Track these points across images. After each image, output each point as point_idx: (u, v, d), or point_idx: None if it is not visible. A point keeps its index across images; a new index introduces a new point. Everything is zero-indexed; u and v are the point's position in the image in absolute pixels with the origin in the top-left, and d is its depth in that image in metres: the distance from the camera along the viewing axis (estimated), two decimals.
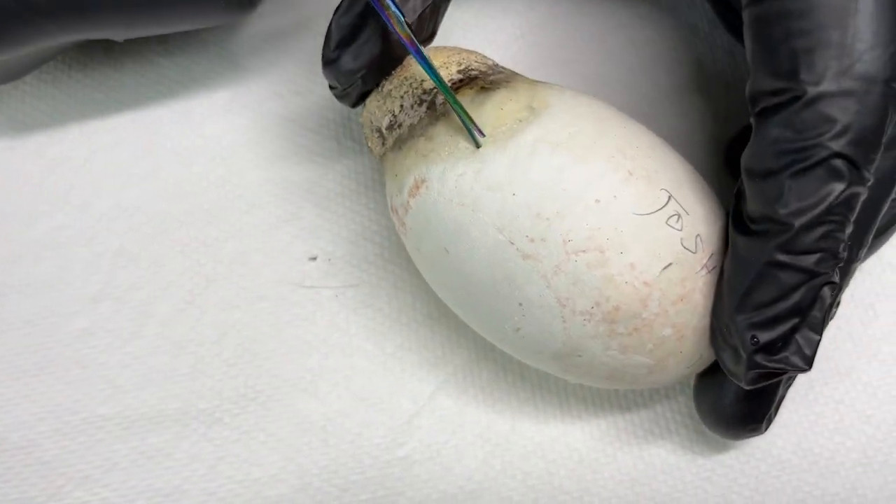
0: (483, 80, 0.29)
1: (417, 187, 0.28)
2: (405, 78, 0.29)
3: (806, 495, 0.32)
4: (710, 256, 0.27)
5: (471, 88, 0.28)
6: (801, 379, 0.33)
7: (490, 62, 0.30)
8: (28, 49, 0.30)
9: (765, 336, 0.25)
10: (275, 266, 0.34)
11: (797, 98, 0.24)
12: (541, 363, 0.29)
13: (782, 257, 0.25)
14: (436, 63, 0.29)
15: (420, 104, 0.29)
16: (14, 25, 0.29)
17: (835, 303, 0.28)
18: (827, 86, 0.24)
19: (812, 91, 0.24)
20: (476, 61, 0.30)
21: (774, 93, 0.25)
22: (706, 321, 0.27)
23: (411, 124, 0.29)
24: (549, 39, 0.37)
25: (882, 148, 0.25)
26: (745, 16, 0.26)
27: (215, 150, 0.35)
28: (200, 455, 0.32)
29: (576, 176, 0.26)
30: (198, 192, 0.35)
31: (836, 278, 0.26)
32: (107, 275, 0.34)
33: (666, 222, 0.26)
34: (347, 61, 0.29)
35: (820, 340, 0.26)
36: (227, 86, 0.36)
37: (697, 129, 0.36)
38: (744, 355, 0.25)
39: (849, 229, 0.25)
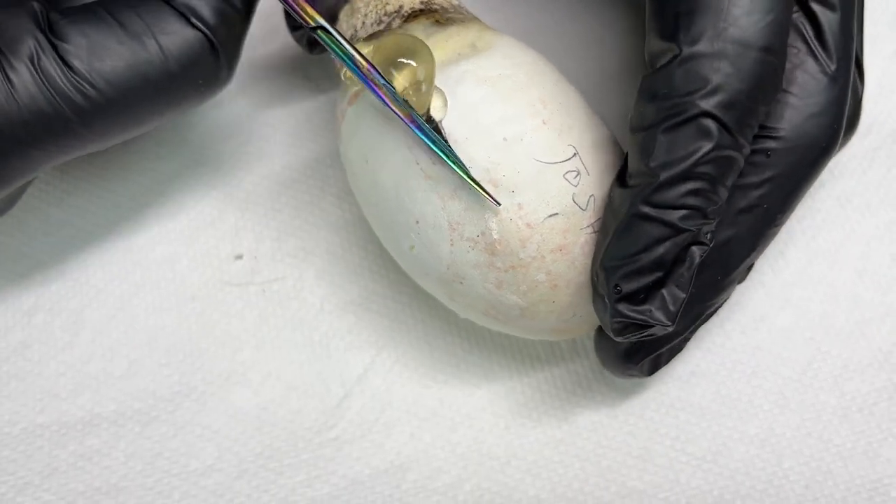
0: (440, 14, 0.30)
1: (356, 95, 0.29)
2: None
3: (726, 439, 0.32)
4: (601, 220, 0.28)
5: (427, 18, 0.30)
6: (716, 329, 0.34)
7: (455, 2, 0.31)
8: (18, 183, 0.28)
9: (628, 286, 0.26)
10: (202, 269, 0.35)
11: (676, 57, 0.26)
12: (429, 286, 0.30)
13: (646, 209, 0.26)
14: None
15: (379, 24, 0.30)
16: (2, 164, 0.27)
17: (745, 267, 0.29)
18: (702, 46, 0.25)
19: (687, 50, 0.25)
20: None
21: (661, 54, 0.26)
22: (584, 279, 0.28)
23: (366, 38, 0.30)
24: None
25: (758, 117, 0.26)
26: None
27: (138, 163, 0.37)
28: (138, 453, 0.33)
29: (492, 111, 0.27)
30: (122, 204, 0.36)
31: (707, 239, 0.26)
32: (40, 287, 0.35)
33: (564, 175, 0.27)
34: None
35: (686, 299, 0.26)
36: None
37: (619, 114, 0.37)
38: (608, 303, 0.26)
39: (723, 193, 0.26)
